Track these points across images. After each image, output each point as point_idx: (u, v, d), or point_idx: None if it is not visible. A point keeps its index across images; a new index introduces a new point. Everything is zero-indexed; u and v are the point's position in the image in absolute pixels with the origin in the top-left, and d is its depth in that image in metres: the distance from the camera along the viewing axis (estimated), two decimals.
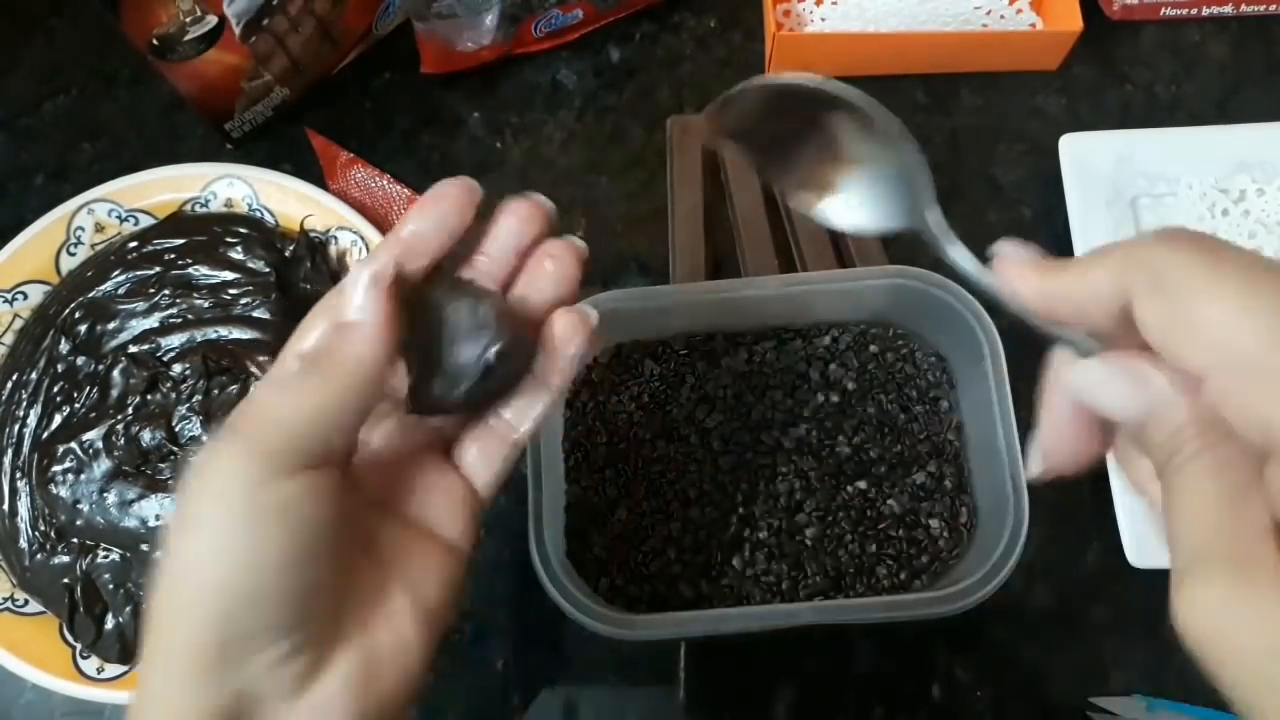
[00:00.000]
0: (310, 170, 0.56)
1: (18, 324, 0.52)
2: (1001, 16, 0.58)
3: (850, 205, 0.30)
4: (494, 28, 0.56)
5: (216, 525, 0.26)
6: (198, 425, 0.50)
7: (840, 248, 0.54)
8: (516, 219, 0.33)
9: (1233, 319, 0.20)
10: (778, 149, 0.31)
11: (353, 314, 0.28)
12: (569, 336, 0.32)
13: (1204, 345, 0.21)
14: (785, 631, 0.46)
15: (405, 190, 0.56)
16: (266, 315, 0.51)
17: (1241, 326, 0.20)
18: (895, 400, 0.49)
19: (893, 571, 0.47)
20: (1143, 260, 0.22)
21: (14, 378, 0.51)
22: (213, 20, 0.49)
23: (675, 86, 0.59)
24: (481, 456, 0.33)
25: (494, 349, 0.30)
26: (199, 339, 0.51)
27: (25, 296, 0.53)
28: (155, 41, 0.49)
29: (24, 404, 0.51)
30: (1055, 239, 0.55)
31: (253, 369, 0.50)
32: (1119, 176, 0.54)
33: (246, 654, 0.26)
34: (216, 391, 0.50)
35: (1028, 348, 0.46)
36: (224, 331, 0.51)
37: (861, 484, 0.48)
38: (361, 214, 0.53)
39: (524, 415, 0.33)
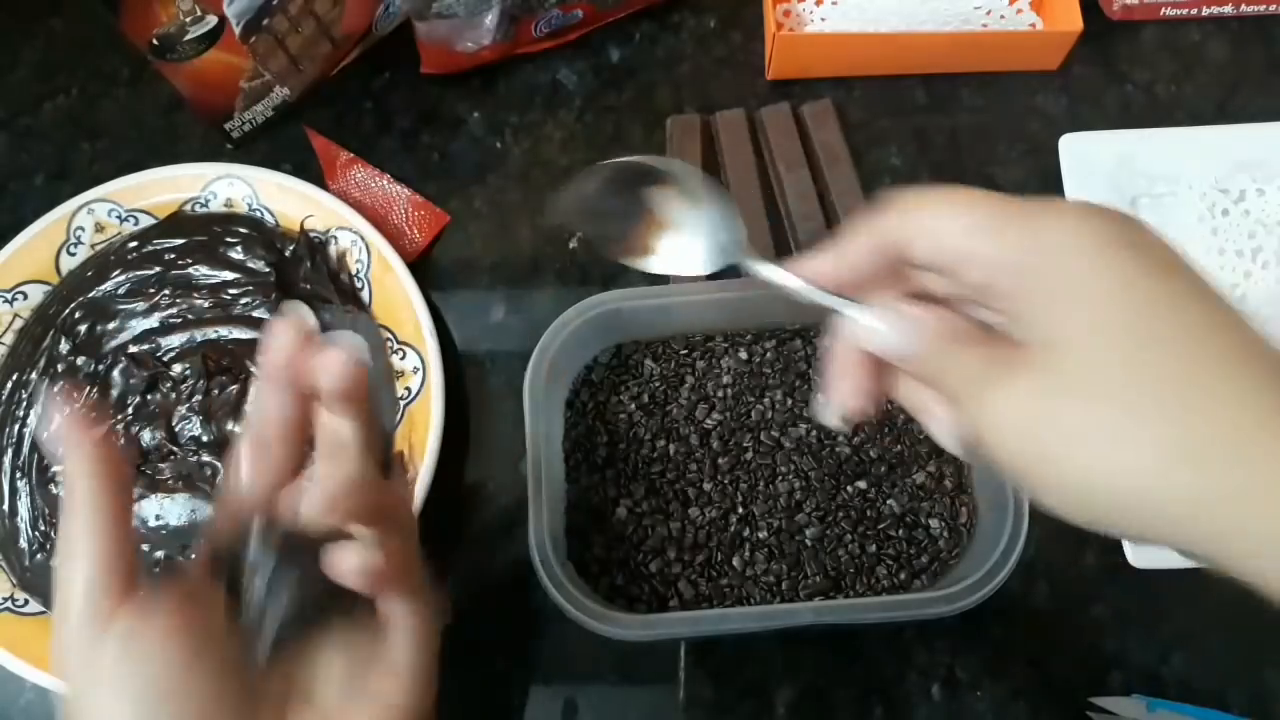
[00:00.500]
0: (310, 170, 0.56)
1: (18, 324, 0.52)
2: (1001, 16, 0.58)
3: (672, 258, 0.37)
4: (494, 28, 0.56)
5: (93, 697, 0.28)
6: (197, 425, 0.50)
7: None
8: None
9: (976, 196, 0.28)
10: (613, 223, 0.37)
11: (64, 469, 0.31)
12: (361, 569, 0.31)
13: (963, 222, 0.28)
14: (785, 631, 0.46)
15: (405, 190, 0.56)
16: (266, 315, 0.51)
17: (986, 200, 0.28)
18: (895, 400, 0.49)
19: (893, 571, 0.47)
20: (893, 208, 0.29)
21: (14, 378, 0.51)
22: (213, 20, 0.49)
23: (675, 86, 0.59)
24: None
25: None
26: (199, 339, 0.51)
27: (25, 296, 0.53)
28: (155, 41, 0.49)
29: (24, 404, 0.51)
30: None
31: (252, 369, 0.50)
32: (1119, 176, 0.54)
33: None
34: (216, 391, 0.50)
35: None
36: (224, 331, 0.51)
37: (861, 484, 0.48)
38: (361, 214, 0.53)
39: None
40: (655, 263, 0.37)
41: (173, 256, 0.53)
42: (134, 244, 0.53)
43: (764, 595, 0.46)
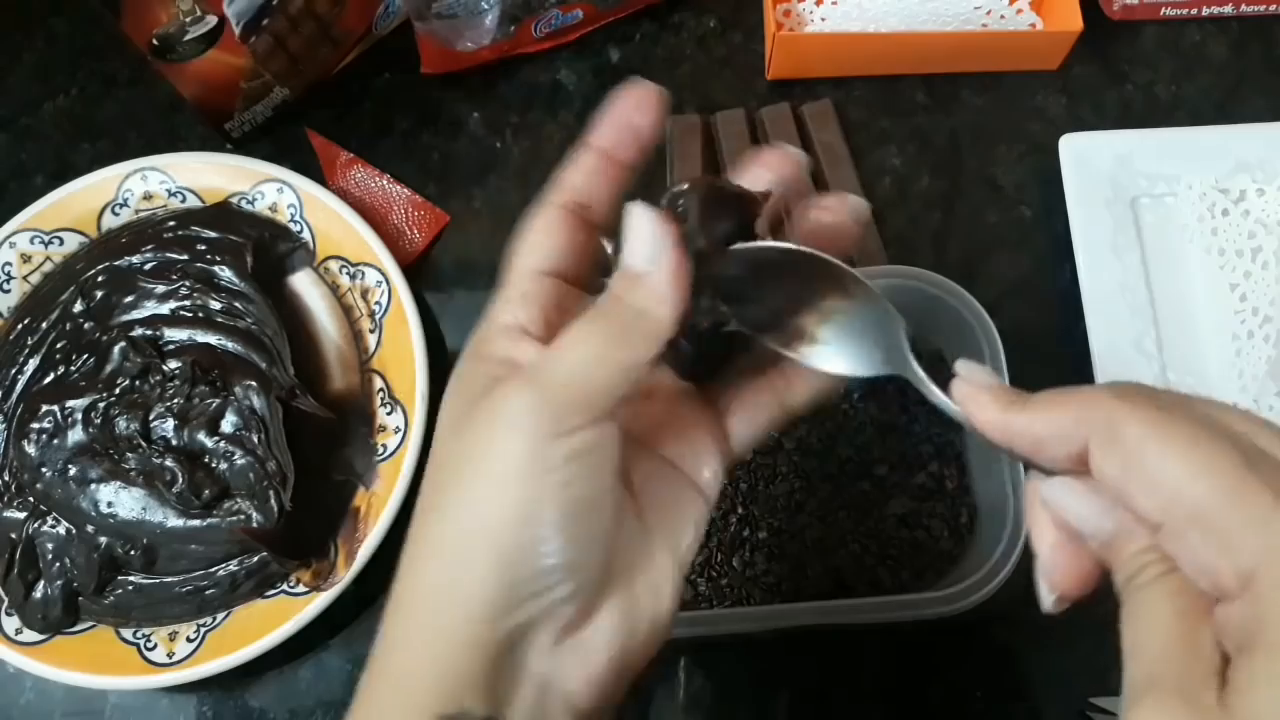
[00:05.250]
0: (310, 170, 0.56)
1: (47, 267, 0.52)
2: (1001, 16, 0.58)
3: (833, 356, 0.30)
4: (494, 28, 0.56)
5: (504, 475, 0.26)
6: (170, 427, 0.48)
7: None
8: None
9: (1183, 478, 0.22)
10: (761, 301, 0.30)
11: (640, 264, 0.27)
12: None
13: (1156, 500, 0.23)
14: (785, 632, 0.46)
15: (405, 190, 0.56)
16: (268, 337, 0.50)
17: (1191, 486, 0.22)
18: (896, 400, 0.49)
19: (894, 572, 0.47)
20: (1100, 412, 0.24)
21: (25, 320, 0.51)
22: (213, 20, 0.49)
23: (675, 86, 0.59)
24: (747, 413, 0.32)
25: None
26: (199, 340, 0.50)
27: (61, 242, 0.52)
28: (155, 42, 0.49)
29: (27, 351, 0.50)
30: (1055, 239, 0.55)
31: (236, 389, 0.49)
32: (1119, 176, 0.54)
33: (525, 599, 0.26)
34: (196, 400, 0.48)
35: (1028, 348, 0.46)
36: (225, 342, 0.50)
37: (862, 485, 0.48)
38: (361, 214, 0.52)
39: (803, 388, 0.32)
40: (809, 354, 0.30)
41: (203, 249, 0.52)
42: (173, 222, 0.52)
43: (764, 596, 0.46)
